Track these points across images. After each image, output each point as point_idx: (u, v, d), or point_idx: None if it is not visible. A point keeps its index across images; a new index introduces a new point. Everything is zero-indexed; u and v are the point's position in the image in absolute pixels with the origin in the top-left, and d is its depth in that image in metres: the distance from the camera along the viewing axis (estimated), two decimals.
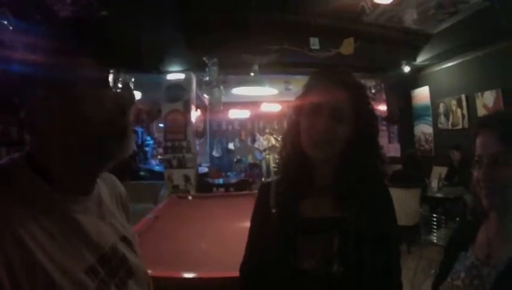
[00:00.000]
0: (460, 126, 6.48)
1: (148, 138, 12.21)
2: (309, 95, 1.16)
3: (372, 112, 1.20)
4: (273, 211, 1.18)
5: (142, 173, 9.59)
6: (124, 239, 0.90)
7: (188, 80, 7.12)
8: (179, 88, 7.07)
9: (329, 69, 1.24)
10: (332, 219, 1.11)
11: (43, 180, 0.72)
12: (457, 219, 3.74)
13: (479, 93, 5.91)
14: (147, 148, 11.97)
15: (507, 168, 1.00)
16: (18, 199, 0.68)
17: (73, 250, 0.72)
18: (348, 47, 6.49)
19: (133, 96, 0.82)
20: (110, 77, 0.77)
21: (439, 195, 5.34)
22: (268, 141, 11.24)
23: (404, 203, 4.98)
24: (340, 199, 1.12)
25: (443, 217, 4.07)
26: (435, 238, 4.00)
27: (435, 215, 4.21)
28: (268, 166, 11.00)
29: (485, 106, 5.81)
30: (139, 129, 11.23)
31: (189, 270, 2.29)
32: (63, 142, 0.74)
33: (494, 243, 1.05)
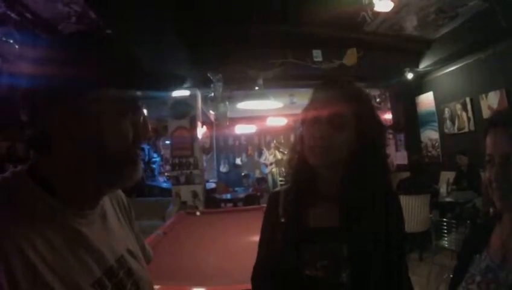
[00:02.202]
0: (466, 129, 6.43)
1: (155, 155, 12.26)
2: (310, 105, 1.18)
3: (377, 122, 1.19)
4: (282, 220, 1.19)
5: (149, 190, 9.58)
6: (129, 251, 0.88)
7: (193, 96, 7.16)
8: (184, 105, 7.12)
9: (331, 79, 1.24)
10: (339, 228, 1.12)
11: (47, 193, 0.71)
12: (468, 222, 3.69)
13: (483, 95, 5.87)
14: (154, 166, 12.01)
15: None
16: (21, 211, 0.67)
17: (79, 263, 0.70)
18: (351, 57, 6.52)
19: (148, 126, 0.82)
20: (129, 103, 0.77)
21: (448, 200, 5.31)
22: (274, 155, 11.24)
23: (414, 210, 4.96)
24: (347, 208, 1.13)
25: (454, 222, 4.04)
26: (446, 243, 3.96)
27: (445, 220, 4.17)
28: (274, 180, 11.00)
29: (489, 107, 5.77)
30: (146, 146, 11.28)
31: (197, 285, 2.28)
32: (73, 163, 0.73)
33: (509, 246, 1.00)
